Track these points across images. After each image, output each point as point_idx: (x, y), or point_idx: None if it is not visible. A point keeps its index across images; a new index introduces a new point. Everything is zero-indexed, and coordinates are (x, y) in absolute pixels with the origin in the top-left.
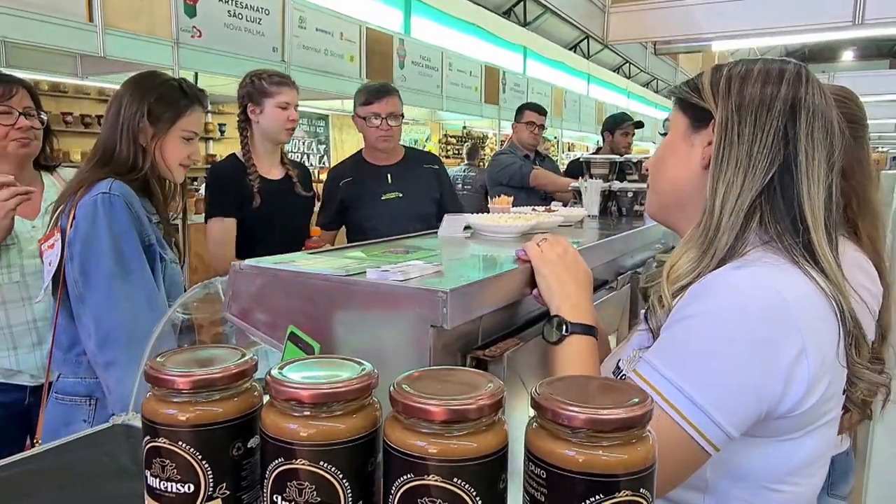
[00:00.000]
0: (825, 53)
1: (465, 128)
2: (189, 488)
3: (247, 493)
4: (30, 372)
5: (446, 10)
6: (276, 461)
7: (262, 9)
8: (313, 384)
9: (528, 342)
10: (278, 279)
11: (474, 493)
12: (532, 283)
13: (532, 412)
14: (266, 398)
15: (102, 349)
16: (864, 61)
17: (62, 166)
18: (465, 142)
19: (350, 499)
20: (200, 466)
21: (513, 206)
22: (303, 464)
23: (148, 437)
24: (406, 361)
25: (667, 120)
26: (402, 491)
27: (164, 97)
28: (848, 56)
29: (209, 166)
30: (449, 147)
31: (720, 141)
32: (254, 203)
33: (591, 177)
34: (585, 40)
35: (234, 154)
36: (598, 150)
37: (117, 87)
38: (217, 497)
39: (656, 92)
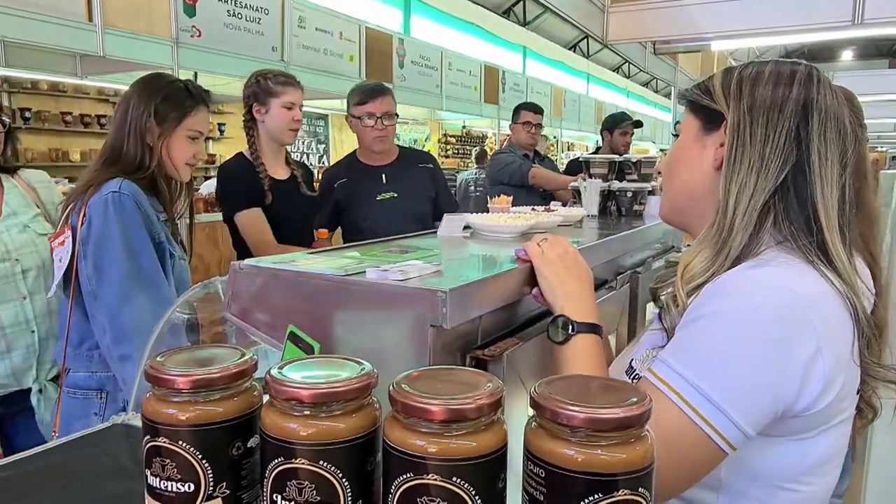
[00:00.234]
0: (824, 53)
1: (464, 127)
2: (189, 487)
3: (247, 492)
4: None
5: (446, 10)
6: (276, 460)
7: (261, 8)
8: (313, 384)
9: (528, 342)
10: (278, 279)
11: (473, 493)
12: (531, 282)
13: (531, 411)
14: (266, 398)
15: (118, 344)
16: (863, 61)
17: (24, 168)
18: (465, 141)
19: (350, 498)
20: (200, 466)
21: (512, 206)
22: (302, 463)
23: (148, 437)
24: (405, 361)
25: (678, 122)
26: (401, 490)
27: (170, 97)
28: (847, 56)
29: (208, 166)
30: (448, 147)
31: (732, 142)
32: (266, 201)
33: (590, 176)
34: (585, 40)
35: (241, 153)
36: (597, 150)
37: (117, 86)
38: (217, 496)
39: (656, 91)
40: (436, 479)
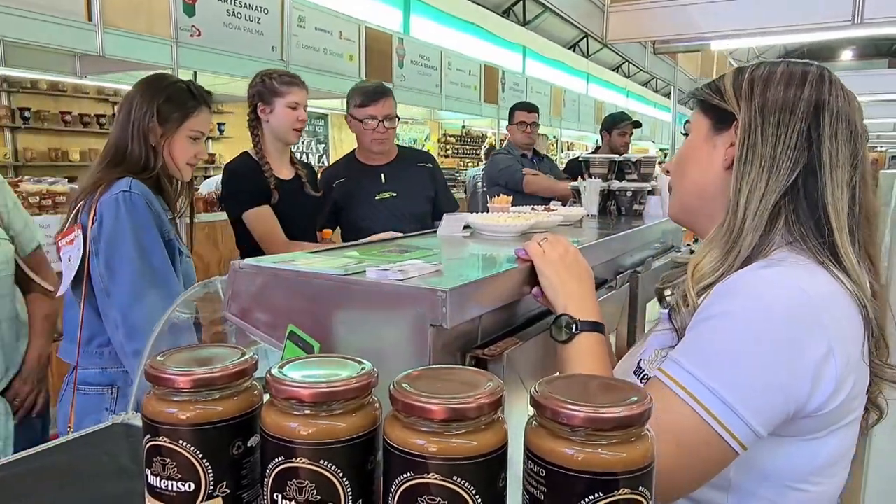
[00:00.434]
0: (824, 53)
1: (464, 127)
2: (190, 487)
3: (247, 491)
4: None
5: (445, 10)
6: (277, 460)
7: (261, 8)
8: (313, 383)
9: (528, 341)
10: (278, 278)
11: (474, 492)
12: (531, 282)
13: (531, 411)
14: (266, 397)
15: (130, 339)
16: (862, 60)
17: None
18: (465, 141)
19: (350, 497)
20: (201, 465)
21: (512, 206)
22: (303, 462)
23: (148, 436)
24: (406, 360)
25: (688, 121)
26: (401, 489)
27: (172, 98)
28: (847, 55)
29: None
30: (448, 146)
31: (743, 142)
32: (271, 200)
33: (590, 176)
34: (584, 40)
35: (246, 152)
36: (596, 150)
37: (116, 86)
38: (217, 496)
39: (655, 91)
40: (436, 479)
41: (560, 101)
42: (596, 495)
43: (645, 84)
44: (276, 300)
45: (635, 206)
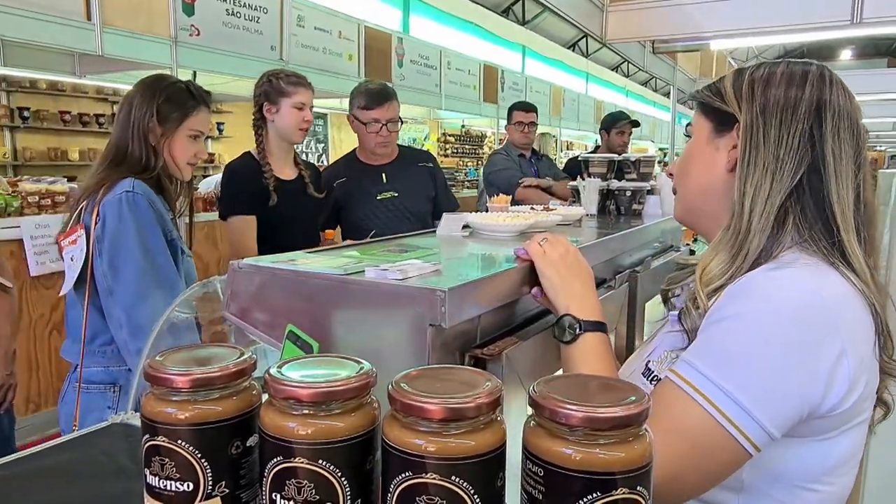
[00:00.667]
0: (823, 52)
1: (463, 126)
2: (188, 486)
3: (246, 491)
4: None
5: (445, 9)
6: (275, 459)
7: (260, 7)
8: (312, 383)
9: (527, 341)
10: (277, 278)
11: (472, 492)
12: (530, 281)
13: (530, 410)
14: (265, 397)
15: (135, 338)
16: (862, 60)
17: None
18: (464, 140)
19: (349, 497)
20: (199, 465)
21: (511, 205)
22: (301, 462)
23: (147, 436)
24: (404, 360)
25: (689, 124)
26: (400, 489)
27: (171, 98)
28: (846, 55)
29: (207, 165)
30: (448, 146)
31: (746, 144)
32: (270, 202)
33: (589, 176)
34: (584, 39)
35: (248, 152)
36: (596, 149)
37: (116, 85)
38: (216, 495)
39: (655, 91)
40: (434, 478)
41: (559, 100)
42: (594, 495)
43: (644, 83)
44: (274, 300)
45: (634, 206)
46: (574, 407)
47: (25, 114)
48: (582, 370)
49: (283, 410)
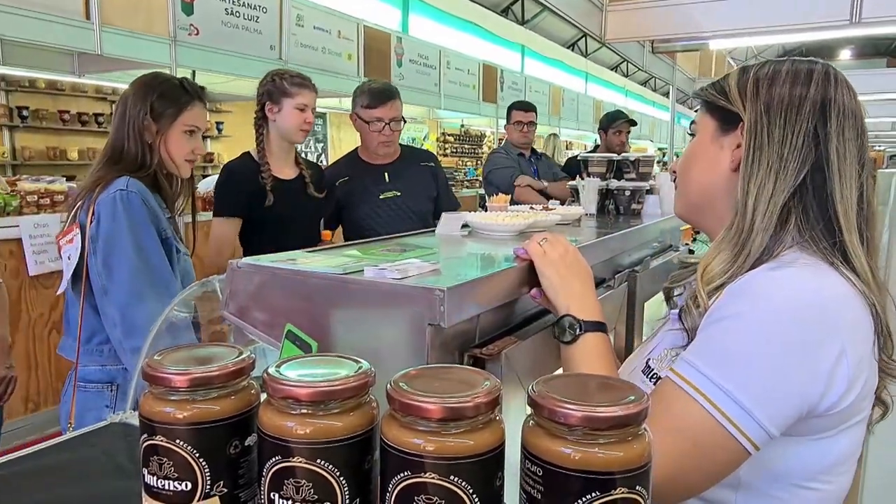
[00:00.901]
0: (822, 52)
1: (462, 126)
2: (186, 486)
3: (244, 490)
4: None
5: (444, 9)
6: (274, 459)
7: (259, 6)
8: (310, 382)
9: (526, 340)
10: (276, 277)
11: (471, 491)
12: (529, 281)
13: (529, 410)
14: (263, 396)
15: (129, 337)
16: (861, 60)
17: None
18: (463, 140)
19: (347, 496)
20: (198, 464)
21: (510, 205)
22: (300, 461)
23: (145, 436)
24: (403, 359)
25: (693, 122)
26: (398, 489)
27: (165, 94)
28: (845, 55)
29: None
30: (447, 145)
31: (750, 143)
32: (266, 202)
33: (588, 175)
34: (583, 39)
35: (248, 152)
36: (595, 149)
37: (115, 84)
38: (214, 495)
39: (654, 90)
40: (433, 478)
41: (559, 100)
42: (593, 494)
43: (644, 83)
44: (273, 299)
45: (633, 206)
46: (573, 406)
47: (24, 113)
48: (583, 370)
49: (281, 410)
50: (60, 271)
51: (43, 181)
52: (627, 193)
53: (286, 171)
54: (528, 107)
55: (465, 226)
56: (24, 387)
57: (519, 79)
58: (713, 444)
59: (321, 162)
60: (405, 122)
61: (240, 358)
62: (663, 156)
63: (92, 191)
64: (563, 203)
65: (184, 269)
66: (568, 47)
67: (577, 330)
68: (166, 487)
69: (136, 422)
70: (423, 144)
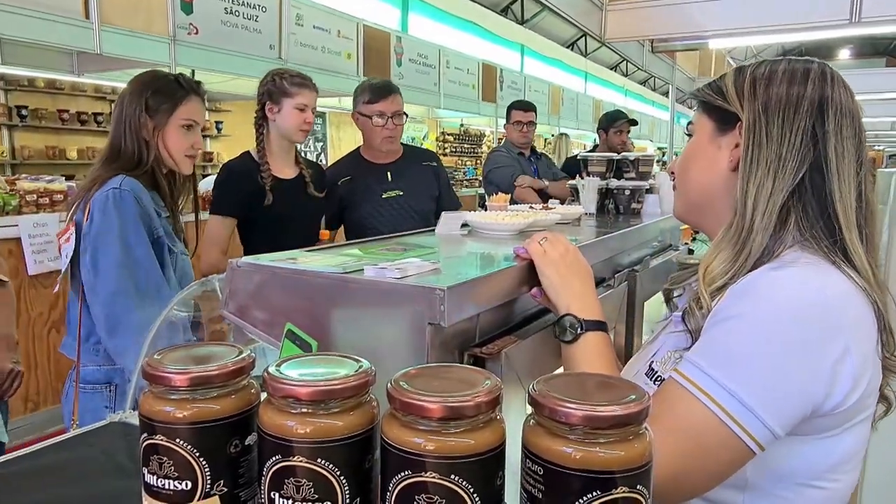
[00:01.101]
0: (822, 52)
1: (462, 125)
2: (186, 485)
3: (244, 490)
4: None
5: (444, 8)
6: (274, 458)
7: (258, 6)
8: (311, 381)
9: (526, 339)
10: (276, 277)
11: (472, 490)
12: (529, 280)
13: (529, 409)
14: (263, 395)
15: (112, 336)
16: (860, 59)
17: None
18: (463, 140)
19: (347, 496)
20: (198, 463)
21: (510, 204)
22: (300, 461)
23: (145, 435)
24: (403, 359)
25: (690, 122)
26: (399, 488)
27: (160, 90)
28: (844, 54)
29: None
30: (446, 145)
31: (748, 143)
32: (265, 201)
33: (588, 175)
34: (583, 38)
35: (248, 152)
36: (594, 148)
37: (114, 84)
38: (214, 494)
39: (653, 90)
40: (434, 477)
41: (558, 99)
42: (593, 493)
43: (643, 83)
44: (273, 299)
45: (633, 205)
46: (574, 406)
47: (23, 112)
48: (584, 369)
49: (281, 409)
50: (59, 270)
51: (42, 180)
52: (627, 193)
53: (286, 171)
54: (527, 106)
55: (464, 225)
56: (24, 386)
57: (518, 78)
58: (717, 444)
59: (320, 161)
60: (407, 116)
61: (240, 357)
62: (663, 155)
63: (89, 190)
64: (562, 202)
65: (181, 270)
66: (567, 47)
67: (579, 329)
68: (166, 487)
69: (135, 421)
70: (422, 144)
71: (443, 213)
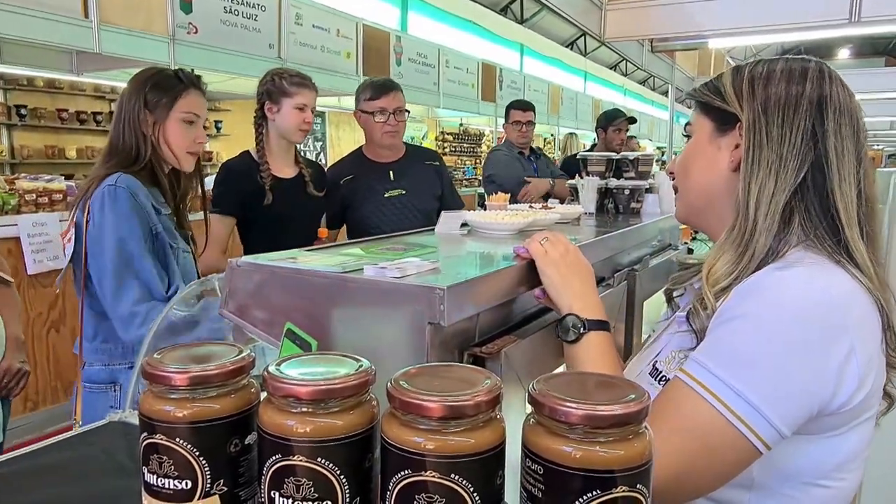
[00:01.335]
0: (821, 51)
1: (461, 125)
2: (186, 485)
3: (244, 489)
4: None
5: (443, 7)
6: (274, 457)
7: (258, 5)
8: (311, 381)
9: (526, 339)
10: (275, 276)
11: (472, 489)
12: (529, 279)
13: (529, 408)
14: (263, 395)
15: (127, 331)
16: (859, 59)
17: None
18: (462, 139)
19: (347, 495)
20: (198, 463)
21: (509, 203)
22: (300, 460)
23: (145, 434)
24: (403, 358)
25: (688, 123)
26: (399, 487)
27: (159, 84)
28: (843, 54)
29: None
30: (446, 144)
31: (749, 143)
32: (265, 201)
33: (587, 174)
34: (582, 38)
35: (247, 151)
36: (592, 147)
37: (113, 83)
38: (214, 493)
39: (653, 89)
40: (434, 476)
41: (558, 99)
42: (593, 493)
43: (642, 82)
44: (273, 298)
45: (633, 204)
46: (574, 405)
47: (23, 111)
48: (587, 369)
49: (281, 408)
50: (59, 270)
51: (41, 180)
52: (627, 192)
53: (286, 170)
54: (526, 106)
55: (464, 224)
56: None
57: (518, 77)
58: (723, 444)
59: (319, 160)
60: (409, 113)
61: (239, 356)
62: (662, 155)
63: (88, 189)
64: (562, 202)
65: (183, 267)
66: (567, 46)
67: (581, 329)
68: (166, 486)
69: (135, 420)
70: (422, 143)
71: (442, 213)
